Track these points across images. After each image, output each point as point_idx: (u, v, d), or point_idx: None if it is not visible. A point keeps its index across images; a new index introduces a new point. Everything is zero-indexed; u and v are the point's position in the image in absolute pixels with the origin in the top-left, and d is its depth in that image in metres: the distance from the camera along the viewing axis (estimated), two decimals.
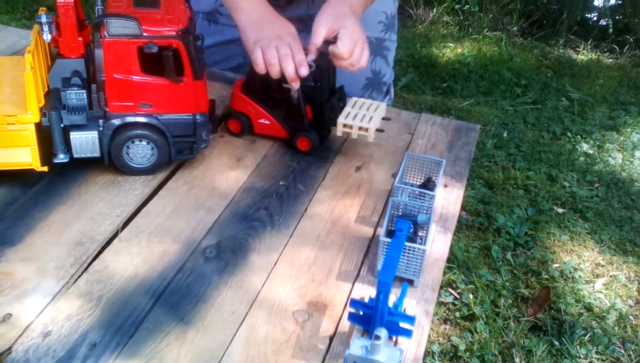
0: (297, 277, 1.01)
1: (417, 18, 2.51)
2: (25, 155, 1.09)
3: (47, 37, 1.08)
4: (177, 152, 1.19)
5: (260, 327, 0.92)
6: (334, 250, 1.07)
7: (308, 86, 1.24)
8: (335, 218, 1.14)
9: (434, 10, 3.29)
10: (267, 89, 1.31)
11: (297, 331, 0.92)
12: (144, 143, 1.16)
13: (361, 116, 1.25)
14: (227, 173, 1.23)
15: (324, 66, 1.26)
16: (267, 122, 1.30)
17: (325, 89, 1.28)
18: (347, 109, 1.27)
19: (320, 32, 1.26)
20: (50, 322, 0.89)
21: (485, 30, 2.50)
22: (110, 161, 1.16)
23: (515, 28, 2.65)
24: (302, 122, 1.27)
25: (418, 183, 1.21)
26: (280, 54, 1.21)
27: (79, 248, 1.01)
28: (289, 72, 1.20)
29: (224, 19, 1.63)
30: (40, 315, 0.90)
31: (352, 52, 1.25)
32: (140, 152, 1.17)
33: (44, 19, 1.07)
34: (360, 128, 1.22)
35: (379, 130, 1.26)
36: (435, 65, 2.19)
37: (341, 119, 1.23)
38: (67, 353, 0.85)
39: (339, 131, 1.24)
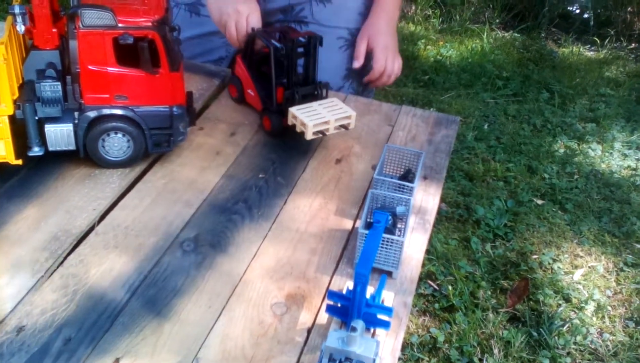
0: (276, 270, 1.01)
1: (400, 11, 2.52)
2: None
3: (20, 28, 1.06)
4: (154, 145, 1.18)
5: (238, 321, 0.91)
6: (313, 242, 1.07)
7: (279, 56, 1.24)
8: (315, 211, 1.14)
9: (416, 2, 3.29)
10: (260, 62, 1.33)
11: (275, 324, 0.91)
12: (119, 135, 1.15)
13: (314, 114, 1.22)
14: (205, 165, 1.22)
15: (303, 54, 1.27)
16: (252, 93, 1.32)
17: (297, 75, 1.28)
18: (313, 103, 1.26)
19: (361, 49, 1.53)
20: (25, 317, 0.88)
21: (467, 23, 2.50)
22: (86, 154, 1.15)
23: (497, 21, 2.65)
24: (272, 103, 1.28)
25: (398, 175, 1.21)
26: (239, 28, 1.34)
27: (54, 242, 1.00)
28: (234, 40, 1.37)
29: (206, 10, 1.62)
30: (14, 309, 0.89)
31: (385, 66, 1.48)
32: (116, 145, 1.16)
33: (17, 10, 1.05)
34: (302, 124, 1.20)
35: (319, 132, 1.22)
36: (417, 57, 2.19)
37: (292, 108, 1.23)
38: (41, 348, 0.84)
39: (289, 120, 1.24)
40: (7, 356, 0.82)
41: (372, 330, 0.90)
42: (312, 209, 1.14)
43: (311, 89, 1.29)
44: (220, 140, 1.30)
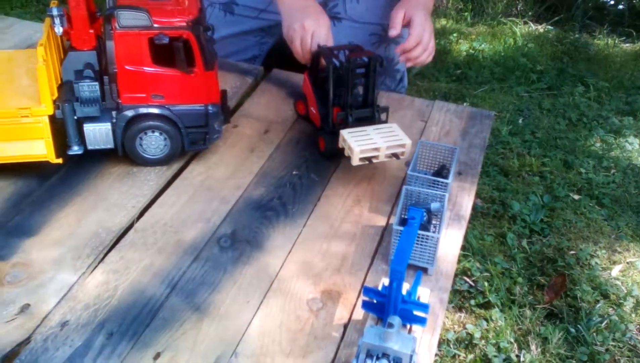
0: (311, 266, 1.01)
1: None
2: (40, 147, 1.10)
3: (58, 30, 1.09)
4: (190, 143, 1.20)
5: (275, 316, 0.92)
6: (347, 238, 1.07)
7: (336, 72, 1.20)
8: (349, 207, 1.14)
9: None
10: (324, 80, 1.26)
11: (312, 319, 0.92)
12: (156, 133, 1.17)
13: (366, 138, 1.15)
14: (240, 162, 1.23)
15: (365, 76, 1.22)
16: (314, 111, 1.30)
17: (354, 97, 1.22)
18: (368, 127, 1.18)
19: (398, 15, 1.44)
20: (68, 312, 0.90)
21: (500, 16, 2.47)
22: (124, 153, 1.17)
23: (530, 13, 2.62)
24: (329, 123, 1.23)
25: (432, 171, 1.20)
26: (303, 45, 1.30)
27: (95, 238, 1.02)
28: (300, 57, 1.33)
29: (240, 10, 1.63)
30: (58, 305, 0.91)
31: (422, 37, 1.41)
32: (153, 143, 1.18)
33: (55, 12, 1.07)
34: (349, 148, 1.14)
35: (367, 159, 1.14)
36: (449, 52, 2.17)
37: (344, 131, 1.16)
38: (84, 343, 0.86)
39: (339, 142, 1.18)
40: (52, 350, 0.85)
41: (408, 326, 0.90)
42: (345, 206, 1.15)
43: (368, 113, 1.22)
44: (254, 137, 1.31)
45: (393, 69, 1.64)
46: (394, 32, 1.43)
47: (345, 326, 0.92)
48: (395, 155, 1.15)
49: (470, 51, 2.48)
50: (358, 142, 1.14)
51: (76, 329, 0.88)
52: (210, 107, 1.17)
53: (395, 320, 0.80)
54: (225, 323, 0.90)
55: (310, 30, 1.30)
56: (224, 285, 0.96)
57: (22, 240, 1.01)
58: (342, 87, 1.20)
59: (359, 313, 0.94)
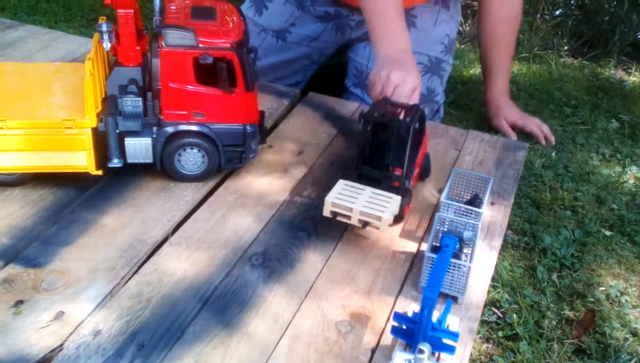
0: (341, 288, 1.02)
1: (466, 35, 2.51)
2: (81, 159, 1.13)
3: (106, 45, 1.12)
4: (227, 161, 1.22)
5: (304, 336, 0.93)
6: (377, 263, 1.08)
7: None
8: (380, 232, 1.15)
9: None
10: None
11: (340, 342, 0.93)
12: (195, 150, 1.19)
13: (349, 196, 1.07)
14: (274, 182, 1.25)
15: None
16: None
17: (373, 155, 1.15)
18: (368, 187, 1.10)
19: (505, 128, 1.70)
20: (102, 321, 0.92)
21: (535, 49, 2.47)
22: (162, 167, 1.19)
23: (565, 48, 2.62)
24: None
25: (464, 200, 1.21)
26: (395, 95, 1.25)
27: (130, 250, 1.04)
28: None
29: (292, 37, 1.68)
30: (92, 314, 0.93)
31: (536, 125, 1.70)
32: (191, 159, 1.20)
33: (104, 28, 1.11)
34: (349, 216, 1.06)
35: (336, 214, 1.07)
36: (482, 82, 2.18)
37: (341, 181, 1.11)
38: (116, 352, 0.87)
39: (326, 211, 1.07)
40: (84, 358, 0.86)
41: (437, 354, 0.90)
42: (377, 231, 1.15)
43: (377, 174, 1.13)
44: (289, 158, 1.33)
45: (432, 100, 1.66)
46: (513, 137, 1.67)
47: (373, 350, 0.92)
48: (369, 224, 1.05)
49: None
50: (339, 195, 1.07)
51: (108, 338, 0.89)
52: (248, 127, 1.19)
53: (425, 346, 0.80)
54: (254, 341, 0.91)
55: (394, 84, 1.25)
56: (254, 303, 0.97)
57: (60, 248, 1.04)
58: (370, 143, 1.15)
59: (387, 339, 0.94)
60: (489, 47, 1.72)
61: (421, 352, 0.78)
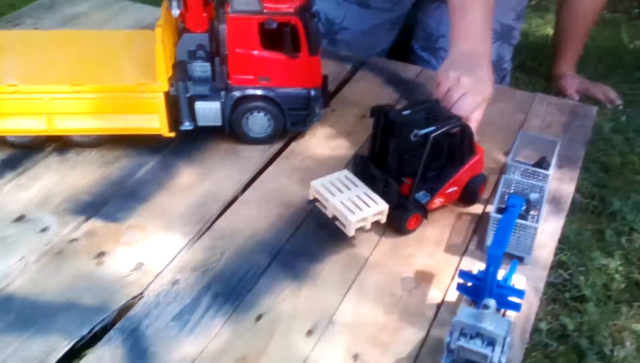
0: (406, 247, 1.03)
1: None
2: (154, 121, 1.18)
3: (175, 12, 1.15)
4: (292, 124, 1.24)
5: (370, 290, 0.95)
6: (443, 223, 1.09)
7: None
8: None
9: None
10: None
11: (405, 297, 0.95)
12: (261, 114, 1.22)
13: (335, 188, 1.03)
14: (337, 145, 1.27)
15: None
16: None
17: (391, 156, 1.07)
18: (362, 185, 1.04)
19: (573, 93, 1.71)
20: (178, 272, 0.96)
21: (604, 12, 2.40)
22: (230, 130, 1.23)
23: (636, 10, 2.52)
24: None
25: (532, 163, 1.20)
26: (446, 98, 1.13)
27: (203, 207, 1.09)
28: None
29: (375, 2, 1.66)
30: (169, 265, 0.98)
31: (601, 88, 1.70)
32: (258, 123, 1.23)
33: None
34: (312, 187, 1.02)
35: (314, 201, 1.03)
36: (549, 45, 2.12)
37: (344, 171, 1.05)
38: (192, 301, 0.92)
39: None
40: (163, 305, 0.91)
41: (502, 311, 0.90)
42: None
43: (377, 174, 1.05)
44: (352, 122, 1.34)
45: (501, 68, 1.64)
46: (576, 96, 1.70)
47: (439, 306, 0.94)
48: (337, 219, 1.01)
49: None
50: (326, 183, 1.04)
51: (185, 288, 0.94)
52: (312, 91, 1.22)
53: (491, 302, 0.81)
54: (322, 293, 0.94)
55: (461, 91, 1.11)
56: (322, 258, 1.00)
57: (138, 205, 1.09)
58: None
59: (452, 296, 0.95)
60: (565, 31, 1.71)
61: (486, 307, 0.80)
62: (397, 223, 1.04)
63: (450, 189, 1.08)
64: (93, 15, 1.70)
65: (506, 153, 1.26)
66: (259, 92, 1.20)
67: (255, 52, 1.16)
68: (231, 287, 0.94)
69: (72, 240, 1.01)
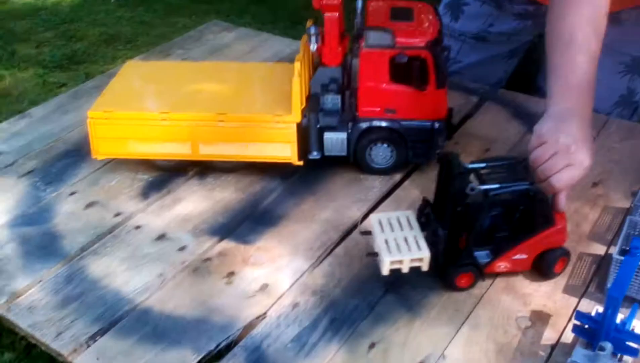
0: (522, 285, 1.04)
1: None
2: (286, 150, 1.26)
3: (313, 46, 1.24)
4: (414, 155, 1.28)
5: (483, 327, 0.97)
6: None
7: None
8: (568, 232, 1.14)
9: None
10: None
11: (519, 336, 0.95)
12: (385, 145, 1.27)
13: (391, 232, 1.01)
14: None
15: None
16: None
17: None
18: (412, 232, 1.01)
19: None
20: (299, 295, 1.03)
21: None
22: (354, 160, 1.28)
23: None
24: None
25: None
26: (544, 165, 1.00)
27: (324, 234, 1.15)
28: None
29: (491, 37, 1.67)
30: (291, 288, 1.05)
31: None
32: (381, 153, 1.28)
33: (312, 31, 1.22)
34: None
35: (366, 233, 1.06)
36: None
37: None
38: (311, 324, 0.98)
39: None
40: (283, 326, 0.98)
41: (618, 355, 0.89)
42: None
43: (433, 221, 1.01)
44: (474, 155, 1.35)
45: (631, 101, 1.58)
46: None
47: (553, 347, 0.93)
48: (374, 254, 1.01)
49: None
50: (383, 218, 1.04)
51: (304, 311, 1.00)
52: (436, 124, 1.25)
53: (607, 345, 0.80)
54: (436, 326, 0.97)
55: (567, 161, 0.99)
56: (436, 292, 1.03)
57: (266, 228, 1.17)
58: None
59: (568, 337, 0.94)
60: None
61: (602, 348, 0.79)
62: (444, 277, 1.02)
63: (518, 256, 1.02)
64: (236, 46, 1.84)
65: (634, 194, 1.22)
66: (384, 124, 1.25)
67: (384, 85, 1.22)
68: (347, 313, 0.99)
69: (206, 259, 1.11)
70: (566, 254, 1.04)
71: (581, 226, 1.15)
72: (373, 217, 1.06)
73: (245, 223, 1.19)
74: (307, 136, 1.26)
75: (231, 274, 1.08)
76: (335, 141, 1.27)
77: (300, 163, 1.27)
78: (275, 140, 1.26)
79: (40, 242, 1.15)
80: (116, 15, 2.91)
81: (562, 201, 1.02)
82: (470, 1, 1.66)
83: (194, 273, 1.08)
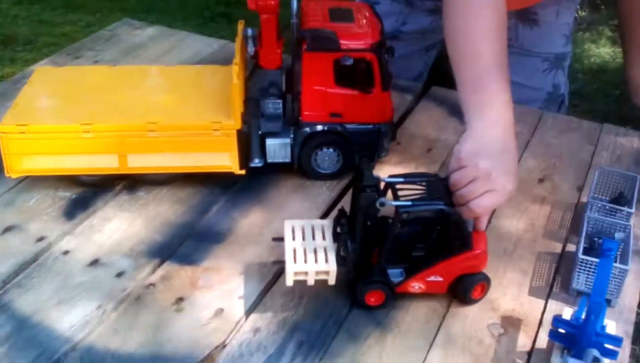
0: (489, 291, 1.01)
1: (581, 21, 2.42)
2: (225, 159, 1.17)
3: (251, 49, 1.15)
4: (360, 159, 1.23)
5: (457, 337, 0.93)
6: (523, 264, 1.06)
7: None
8: (520, 232, 1.13)
9: (600, 12, 3.12)
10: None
11: (494, 345, 0.92)
12: (331, 150, 1.21)
13: (300, 249, 0.96)
14: None
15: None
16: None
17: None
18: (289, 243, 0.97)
19: None
20: (259, 318, 0.95)
21: None
22: (298, 166, 1.21)
23: None
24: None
25: (607, 199, 1.17)
26: (474, 195, 0.92)
27: (278, 247, 1.07)
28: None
29: (405, 36, 1.65)
30: (249, 311, 0.96)
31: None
32: (327, 158, 1.22)
33: (249, 33, 1.14)
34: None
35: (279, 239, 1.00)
36: (605, 70, 2.09)
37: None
38: (277, 350, 0.90)
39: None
40: (247, 355, 0.89)
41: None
42: (518, 230, 1.13)
43: (346, 234, 0.96)
44: (418, 155, 1.33)
45: (557, 95, 1.61)
46: None
47: (529, 354, 0.91)
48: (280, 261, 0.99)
49: None
50: (298, 224, 1.00)
51: (267, 336, 0.92)
52: (382, 126, 1.20)
53: (596, 352, 0.79)
54: (408, 341, 0.92)
55: (487, 187, 0.92)
56: (404, 304, 0.98)
57: (212, 246, 1.08)
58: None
59: (542, 343, 0.92)
60: (629, 25, 1.58)
61: (597, 360, 0.77)
62: (354, 293, 0.96)
63: (433, 278, 0.95)
64: (151, 46, 1.71)
65: (578, 188, 1.24)
66: (329, 128, 1.19)
67: (329, 88, 1.15)
68: (314, 335, 0.92)
69: (148, 285, 1.00)
70: (485, 279, 0.97)
71: (535, 226, 1.14)
72: (287, 223, 1.00)
73: (187, 241, 1.09)
74: (247, 143, 1.18)
75: (180, 300, 0.98)
76: (279, 147, 1.19)
77: (243, 172, 1.18)
78: (213, 149, 1.16)
79: None
80: (11, 15, 2.66)
81: (483, 223, 0.97)
82: (381, 0, 1.63)
83: (138, 302, 0.97)
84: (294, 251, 0.95)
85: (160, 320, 0.94)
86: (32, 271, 1.02)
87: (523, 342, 0.93)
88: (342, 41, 1.11)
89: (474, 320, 0.96)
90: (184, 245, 1.08)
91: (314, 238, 0.98)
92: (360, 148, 1.21)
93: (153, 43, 1.74)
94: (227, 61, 1.60)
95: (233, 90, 1.11)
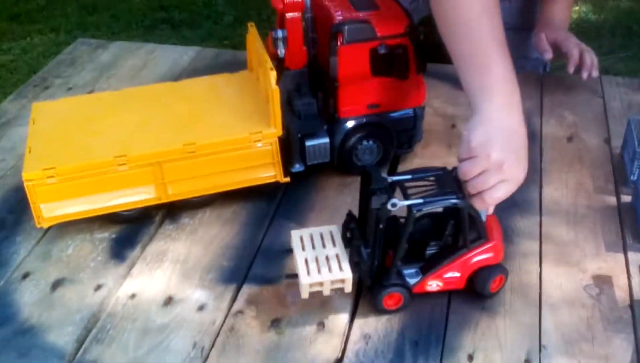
0: (568, 254, 1.02)
1: None
2: (270, 169, 1.12)
3: (281, 52, 1.11)
4: (397, 146, 1.21)
5: (561, 305, 0.94)
6: (588, 223, 1.08)
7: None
8: (573, 192, 1.15)
9: None
10: None
11: (597, 305, 0.94)
12: (371, 142, 1.18)
13: (313, 256, 0.93)
14: (440, 160, 1.23)
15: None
16: None
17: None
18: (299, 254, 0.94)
19: (543, 43, 1.41)
20: (364, 325, 0.92)
21: None
22: (338, 163, 1.18)
23: None
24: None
25: None
26: (486, 186, 0.89)
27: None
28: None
29: None
30: (350, 319, 0.93)
31: (578, 45, 1.38)
32: (367, 151, 1.19)
33: (280, 35, 1.09)
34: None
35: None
36: None
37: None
38: (395, 353, 0.87)
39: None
40: None
41: None
42: (570, 191, 1.15)
43: (357, 239, 0.93)
44: (445, 133, 1.32)
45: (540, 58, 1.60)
46: (549, 55, 1.38)
47: (631, 307, 0.93)
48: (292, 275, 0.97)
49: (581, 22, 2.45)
50: (312, 232, 0.97)
51: (380, 341, 0.89)
52: (418, 110, 1.19)
53: None
54: (517, 317, 0.92)
55: (500, 177, 0.88)
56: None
57: (282, 261, 1.03)
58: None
59: (637, 294, 0.95)
60: None
61: None
62: (372, 300, 0.93)
63: (450, 274, 0.93)
64: (123, 63, 1.62)
65: (606, 140, 1.27)
66: (369, 120, 1.16)
67: (367, 80, 1.12)
68: (425, 330, 0.90)
69: (237, 313, 0.95)
70: (503, 272, 0.94)
71: (582, 184, 1.17)
72: (294, 233, 0.96)
73: (256, 260, 1.04)
74: (287, 149, 1.14)
75: (276, 321, 0.93)
76: (318, 147, 1.16)
77: (287, 179, 1.14)
78: (256, 161, 1.11)
79: (16, 347, 0.91)
80: None
81: (490, 211, 0.94)
82: None
83: (233, 333, 0.92)
84: (306, 262, 0.92)
85: (265, 346, 0.90)
86: (105, 324, 0.94)
87: (621, 297, 0.95)
88: (377, 29, 1.08)
89: (569, 285, 0.97)
90: (255, 265, 1.03)
91: (324, 246, 0.94)
92: (398, 135, 1.19)
93: (122, 61, 1.64)
94: (209, 68, 1.55)
95: (273, 96, 1.06)
